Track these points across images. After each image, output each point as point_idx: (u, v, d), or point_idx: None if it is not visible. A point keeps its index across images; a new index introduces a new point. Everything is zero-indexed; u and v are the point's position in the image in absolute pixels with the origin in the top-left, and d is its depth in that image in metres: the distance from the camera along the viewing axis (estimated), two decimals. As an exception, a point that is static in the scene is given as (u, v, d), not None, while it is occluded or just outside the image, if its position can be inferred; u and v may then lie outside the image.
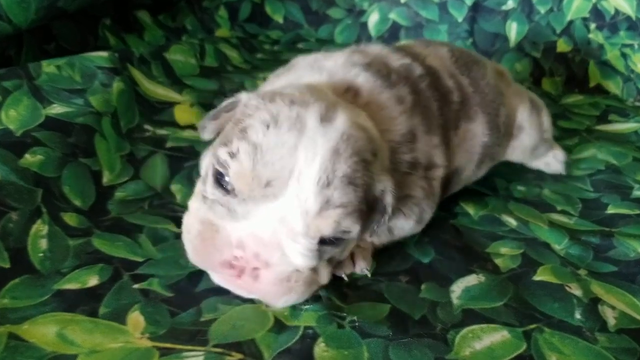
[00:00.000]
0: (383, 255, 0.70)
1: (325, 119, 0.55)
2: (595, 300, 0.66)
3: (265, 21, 1.53)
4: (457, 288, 0.66)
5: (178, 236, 0.69)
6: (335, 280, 0.64)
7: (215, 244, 0.55)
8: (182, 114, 0.98)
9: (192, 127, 0.95)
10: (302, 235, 0.53)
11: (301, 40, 1.51)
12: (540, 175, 0.96)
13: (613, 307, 0.65)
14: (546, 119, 0.94)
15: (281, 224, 0.53)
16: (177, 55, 1.14)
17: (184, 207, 0.74)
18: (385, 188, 0.59)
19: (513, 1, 1.41)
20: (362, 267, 0.67)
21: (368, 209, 0.57)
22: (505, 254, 0.73)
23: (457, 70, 0.83)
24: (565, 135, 1.12)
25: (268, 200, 0.53)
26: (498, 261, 0.72)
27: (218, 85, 1.12)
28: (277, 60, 1.35)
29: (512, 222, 0.80)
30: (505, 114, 0.86)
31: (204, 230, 0.56)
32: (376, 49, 0.78)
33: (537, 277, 0.69)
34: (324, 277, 0.60)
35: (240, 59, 1.30)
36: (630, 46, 1.36)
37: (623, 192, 0.90)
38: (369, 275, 0.67)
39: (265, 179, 0.52)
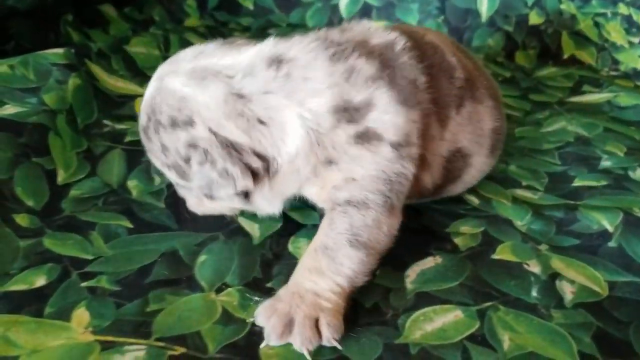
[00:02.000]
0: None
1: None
2: (554, 276, 0.65)
3: (235, 8, 1.51)
4: (412, 272, 0.65)
5: (131, 232, 0.69)
6: (289, 264, 0.64)
7: None
8: (143, 107, 0.96)
9: (153, 120, 0.93)
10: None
11: (272, 26, 1.49)
12: (507, 151, 0.95)
13: (572, 281, 0.64)
14: None
15: None
16: (139, 48, 1.12)
17: (139, 203, 0.75)
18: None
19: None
20: (329, 338, 0.55)
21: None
22: (465, 232, 0.72)
23: (461, 53, 0.80)
24: (536, 108, 1.10)
25: None
26: (457, 240, 0.71)
27: (182, 76, 1.10)
28: (246, 48, 1.34)
29: (474, 200, 0.79)
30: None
31: None
32: (363, 27, 0.73)
33: (496, 256, 0.68)
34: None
35: (208, 48, 1.29)
36: (603, 15, 1.33)
37: (591, 164, 0.89)
38: (339, 347, 0.54)
39: None
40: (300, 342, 0.53)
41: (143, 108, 0.68)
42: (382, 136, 0.64)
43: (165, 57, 1.15)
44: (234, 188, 0.62)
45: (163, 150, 0.66)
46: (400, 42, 0.70)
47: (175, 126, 0.63)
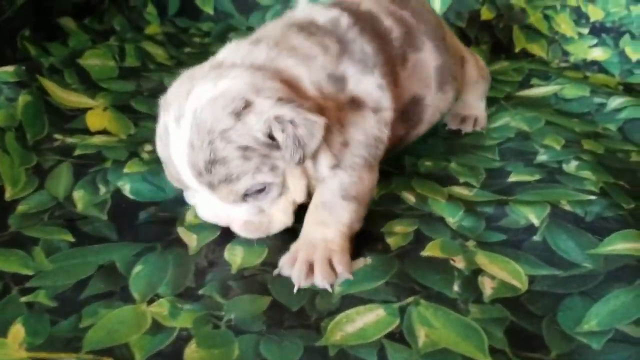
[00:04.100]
0: (276, 242, 0.72)
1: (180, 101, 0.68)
2: (477, 272, 0.68)
3: (196, 13, 1.53)
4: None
5: (73, 245, 0.72)
6: (222, 271, 0.67)
7: None
8: (95, 119, 0.99)
9: (104, 132, 0.96)
10: (223, 209, 0.70)
11: (233, 30, 1.51)
12: (451, 149, 0.97)
13: (493, 277, 0.67)
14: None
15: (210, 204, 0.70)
16: (93, 60, 1.14)
17: (83, 216, 0.77)
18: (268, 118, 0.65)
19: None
20: (343, 273, 0.66)
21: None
22: (398, 232, 0.75)
23: (396, 7, 0.89)
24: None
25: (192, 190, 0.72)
26: (389, 240, 0.73)
27: (136, 85, 1.13)
28: (205, 53, 1.34)
29: (411, 199, 0.82)
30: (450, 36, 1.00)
31: None
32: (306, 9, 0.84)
33: (424, 253, 0.71)
34: (282, 218, 0.72)
35: (166, 55, 1.31)
36: (553, 7, 1.36)
37: (527, 159, 0.92)
38: (351, 277, 0.66)
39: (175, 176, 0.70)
40: (321, 279, 0.65)
41: (194, 149, 0.65)
42: (365, 103, 0.76)
43: (121, 68, 1.18)
44: (320, 129, 0.67)
45: (244, 154, 0.65)
46: (343, 19, 0.81)
47: (238, 116, 0.65)
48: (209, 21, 1.53)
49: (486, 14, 1.39)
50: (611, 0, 1.32)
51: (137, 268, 0.68)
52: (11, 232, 0.74)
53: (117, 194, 0.81)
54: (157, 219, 0.77)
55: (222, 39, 1.46)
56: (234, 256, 0.70)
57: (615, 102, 1.09)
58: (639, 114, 1.05)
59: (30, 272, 0.67)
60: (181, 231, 0.75)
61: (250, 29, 1.51)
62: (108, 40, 1.32)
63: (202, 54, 1.34)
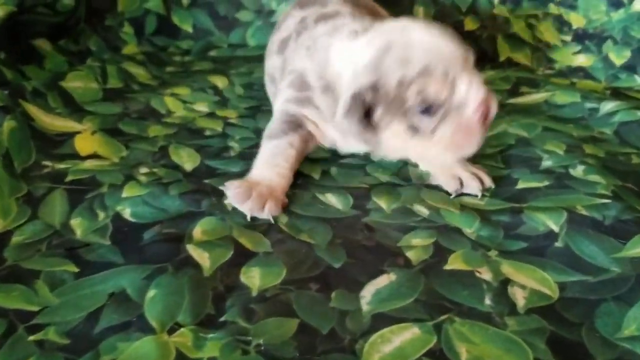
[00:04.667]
0: (293, 258, 0.70)
1: None
2: (505, 282, 0.66)
3: (174, 32, 1.49)
4: (368, 292, 0.64)
5: (78, 276, 0.67)
6: (242, 294, 0.63)
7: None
8: (84, 143, 0.94)
9: (94, 156, 0.91)
10: None
11: (213, 48, 1.48)
12: (453, 158, 0.96)
13: (523, 287, 0.65)
14: None
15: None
16: (76, 82, 1.10)
17: (84, 243, 0.73)
18: None
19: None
20: (268, 214, 0.77)
21: None
22: (417, 245, 0.73)
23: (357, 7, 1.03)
24: (478, 112, 1.12)
25: None
26: (410, 254, 0.71)
27: (122, 107, 1.08)
28: (188, 72, 1.33)
29: (424, 211, 0.80)
30: None
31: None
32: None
33: (448, 266, 0.69)
34: None
35: (148, 75, 1.27)
36: (535, 16, 1.38)
37: (532, 165, 0.91)
38: (272, 221, 0.77)
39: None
40: (249, 209, 0.77)
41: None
42: None
43: (104, 90, 1.14)
44: None
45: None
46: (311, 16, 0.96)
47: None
48: (188, 39, 1.49)
49: (469, 24, 1.40)
50: (592, 7, 1.34)
51: (151, 293, 0.64)
52: (9, 266, 0.69)
53: (117, 218, 0.77)
54: (163, 237, 0.73)
55: (202, 56, 1.43)
56: (252, 278, 0.67)
57: (607, 106, 1.10)
58: (632, 117, 1.06)
59: (35, 308, 0.62)
60: (191, 249, 0.71)
61: (231, 47, 1.48)
62: (84, 61, 1.27)
63: (185, 73, 1.31)
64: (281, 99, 0.93)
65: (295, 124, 0.89)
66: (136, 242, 0.72)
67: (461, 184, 0.83)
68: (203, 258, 0.70)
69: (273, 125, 0.90)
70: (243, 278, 0.67)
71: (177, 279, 0.66)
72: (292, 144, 0.87)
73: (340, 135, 0.89)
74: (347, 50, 0.85)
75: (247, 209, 0.77)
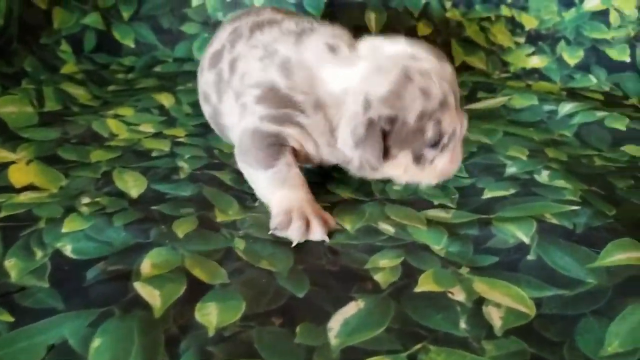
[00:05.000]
0: (253, 289, 0.64)
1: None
2: (480, 302, 0.62)
3: (115, 48, 1.42)
4: (335, 323, 0.59)
5: (13, 326, 0.60)
6: (198, 335, 0.57)
7: None
8: (18, 174, 0.86)
9: (30, 187, 0.84)
10: None
11: (158, 63, 1.41)
12: (415, 170, 0.93)
13: (498, 305, 0.62)
14: None
15: None
16: (9, 107, 1.02)
17: (20, 287, 0.65)
18: None
19: (366, -8, 1.39)
20: (333, 224, 0.77)
21: None
22: (384, 267, 0.68)
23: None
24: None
25: None
26: (378, 277, 0.67)
27: (61, 132, 1.00)
28: (132, 90, 1.26)
29: (389, 229, 0.76)
30: None
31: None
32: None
33: (418, 288, 0.65)
34: None
35: (88, 95, 1.19)
36: (488, 19, 1.36)
37: (496, 172, 0.88)
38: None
39: None
40: (321, 232, 0.74)
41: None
42: None
43: (41, 114, 1.06)
44: None
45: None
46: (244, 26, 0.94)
47: None
48: (130, 55, 1.42)
49: (422, 29, 1.37)
50: (543, 7, 1.33)
51: (96, 342, 0.57)
52: None
53: (57, 255, 0.70)
54: (108, 276, 0.66)
55: (147, 73, 1.36)
56: (208, 316, 0.61)
57: (565, 108, 1.09)
58: (592, 118, 1.05)
59: (-37, 370, 0.55)
60: (139, 287, 0.64)
61: (177, 61, 1.42)
62: (20, 83, 1.18)
63: (129, 91, 1.24)
64: (251, 117, 0.84)
65: (279, 146, 0.82)
66: (78, 283, 0.65)
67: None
68: (153, 296, 0.63)
69: (254, 153, 0.82)
70: (198, 316, 0.61)
71: (125, 323, 0.60)
72: (290, 165, 0.81)
73: (332, 156, 0.84)
74: (345, 72, 0.80)
75: (295, 234, 0.73)
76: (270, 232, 0.74)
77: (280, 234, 0.74)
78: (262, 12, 0.99)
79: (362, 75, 0.78)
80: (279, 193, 0.79)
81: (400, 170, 0.81)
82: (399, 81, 0.76)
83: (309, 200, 0.78)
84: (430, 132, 0.77)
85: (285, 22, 0.89)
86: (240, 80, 0.88)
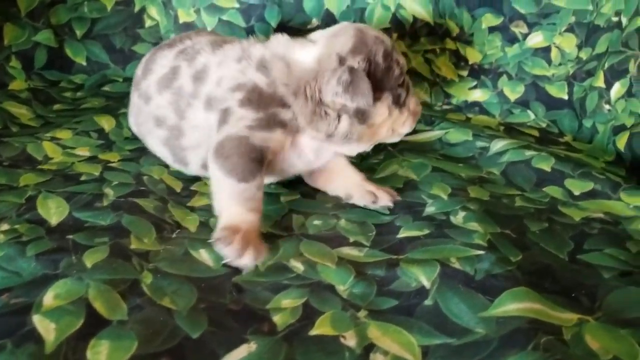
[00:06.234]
0: (148, 328, 0.64)
1: None
2: (369, 348, 0.63)
3: (67, 65, 1.42)
4: (222, 366, 0.61)
5: None
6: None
7: None
8: (-59, 198, 0.87)
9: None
10: None
11: (108, 82, 1.42)
12: (339, 204, 0.94)
13: (386, 353, 0.62)
14: None
15: None
16: (-57, 127, 1.02)
17: None
18: None
19: (317, 19, 1.40)
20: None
21: None
22: (286, 307, 0.69)
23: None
24: (372, 151, 1.09)
25: None
26: (277, 318, 0.68)
27: (-8, 154, 1.01)
28: (77, 110, 1.26)
29: (299, 266, 0.77)
30: None
31: None
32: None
33: (313, 331, 0.66)
34: None
35: (31, 114, 1.20)
36: (433, 51, 1.39)
37: (416, 211, 0.90)
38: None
39: None
40: (232, 255, 0.77)
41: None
42: None
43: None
44: None
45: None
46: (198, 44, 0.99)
47: None
48: (81, 73, 1.43)
49: (369, 59, 1.39)
50: (487, 42, 1.36)
51: (-18, 380, 0.57)
52: None
53: (-38, 286, 0.70)
54: (9, 309, 0.66)
55: (96, 92, 1.37)
56: (98, 354, 0.61)
57: (497, 145, 1.11)
58: (519, 157, 1.07)
59: None
60: (37, 320, 0.64)
61: (127, 80, 1.42)
62: (-36, 100, 1.19)
63: (72, 112, 1.25)
64: (239, 123, 0.87)
65: (261, 162, 0.86)
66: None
67: (375, 198, 0.92)
68: (48, 330, 0.63)
69: (235, 161, 0.84)
70: (89, 354, 0.61)
71: (15, 357, 0.60)
72: (260, 188, 0.85)
73: (318, 138, 0.90)
74: (313, 48, 0.89)
75: (230, 254, 0.77)
76: (209, 241, 0.79)
77: (217, 247, 0.78)
78: (201, 34, 1.07)
79: (325, 43, 0.89)
80: (236, 209, 0.82)
81: (386, 113, 0.90)
82: (357, 34, 0.89)
83: (257, 229, 0.82)
84: (396, 70, 0.90)
85: (239, 40, 0.99)
86: (217, 85, 0.91)
